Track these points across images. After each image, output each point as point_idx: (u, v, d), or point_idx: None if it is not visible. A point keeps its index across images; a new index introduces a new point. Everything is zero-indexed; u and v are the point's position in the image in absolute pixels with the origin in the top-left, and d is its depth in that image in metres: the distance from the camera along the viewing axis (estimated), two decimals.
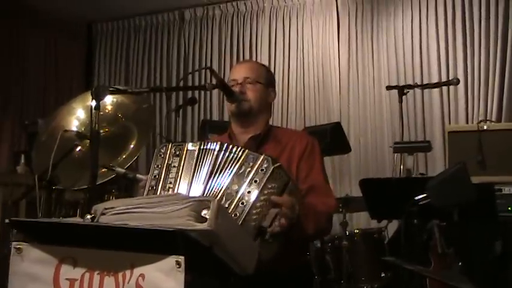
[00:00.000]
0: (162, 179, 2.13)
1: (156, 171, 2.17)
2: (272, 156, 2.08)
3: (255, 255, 1.80)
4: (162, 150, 2.21)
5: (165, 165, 2.16)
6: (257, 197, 1.99)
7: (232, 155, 2.10)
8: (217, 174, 2.08)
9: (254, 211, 1.98)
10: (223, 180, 2.06)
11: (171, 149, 2.20)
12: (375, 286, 4.46)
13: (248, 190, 2.01)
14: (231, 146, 2.14)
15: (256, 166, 2.05)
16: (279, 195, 2.04)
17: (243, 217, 1.96)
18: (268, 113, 2.70)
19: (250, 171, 2.04)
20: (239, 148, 2.13)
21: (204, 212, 1.59)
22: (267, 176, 2.02)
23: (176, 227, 1.53)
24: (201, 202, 1.61)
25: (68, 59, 7.12)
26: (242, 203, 1.99)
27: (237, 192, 2.02)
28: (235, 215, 1.96)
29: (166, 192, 2.10)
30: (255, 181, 2.02)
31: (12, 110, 6.43)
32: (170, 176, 2.13)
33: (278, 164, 2.05)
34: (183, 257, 1.51)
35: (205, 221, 1.57)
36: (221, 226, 1.57)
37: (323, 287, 4.37)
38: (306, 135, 2.68)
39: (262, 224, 1.98)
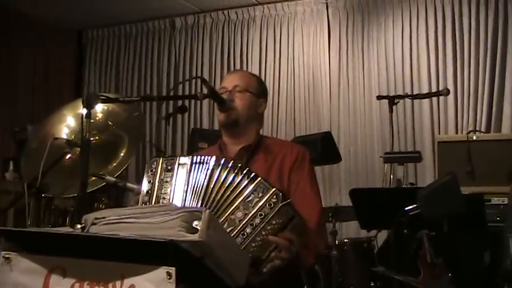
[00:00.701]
0: (155, 194, 2.13)
1: (148, 187, 2.16)
2: (283, 191, 2.04)
3: (246, 266, 1.79)
4: (153, 166, 2.20)
5: (157, 181, 2.16)
6: (258, 232, 1.98)
7: (234, 175, 2.08)
8: (222, 192, 2.06)
9: (253, 244, 1.97)
10: (229, 201, 2.04)
11: (162, 163, 2.19)
12: None
13: (251, 222, 1.99)
14: (226, 162, 2.11)
15: (265, 199, 2.01)
16: (281, 231, 2.02)
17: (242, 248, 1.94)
18: (259, 124, 2.69)
19: (258, 202, 2.01)
20: (252, 173, 2.07)
21: (195, 223, 1.58)
22: (274, 212, 2.00)
23: (167, 237, 1.52)
24: (193, 213, 1.61)
25: (58, 66, 7.09)
26: (243, 234, 1.97)
27: (240, 221, 1.99)
28: None
29: None
30: (261, 215, 1.99)
31: (1, 116, 6.39)
32: (163, 191, 2.13)
33: (287, 200, 2.02)
34: (174, 268, 1.50)
35: (197, 232, 1.56)
36: (213, 237, 1.57)
37: None
38: (297, 146, 2.66)
39: (258, 255, 1.97)
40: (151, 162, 2.22)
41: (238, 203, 2.02)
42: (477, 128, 5.35)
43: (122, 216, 1.67)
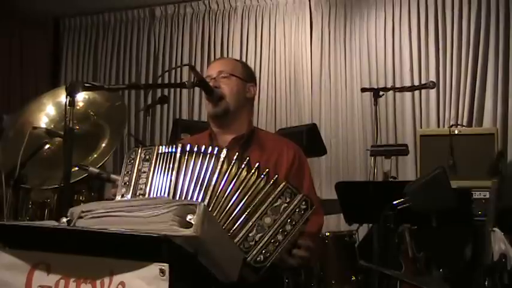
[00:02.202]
0: (132, 185, 2.06)
1: (126, 178, 2.09)
2: (309, 197, 1.98)
3: (240, 262, 1.73)
4: (132, 156, 2.13)
5: (135, 171, 2.08)
6: (289, 240, 1.91)
7: (262, 177, 2.00)
8: (231, 187, 1.99)
9: (283, 251, 1.90)
10: (253, 205, 1.96)
11: (140, 153, 2.12)
12: None
13: (282, 229, 1.91)
14: (266, 171, 2.02)
15: (294, 204, 1.94)
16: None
17: (274, 257, 1.87)
18: (249, 111, 2.61)
19: (286, 208, 1.93)
20: (274, 178, 2.00)
21: (189, 217, 1.51)
22: (304, 218, 1.93)
23: (160, 232, 1.45)
24: (186, 206, 1.53)
25: (34, 54, 6.94)
26: (275, 241, 1.89)
27: (269, 227, 1.91)
28: (267, 252, 1.87)
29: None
30: (292, 222, 1.91)
31: None
32: (140, 181, 2.05)
33: (314, 206, 1.97)
34: (167, 265, 1.43)
35: (191, 227, 1.49)
36: (207, 232, 1.50)
37: None
38: (292, 145, 2.59)
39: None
40: (130, 153, 2.16)
41: (265, 207, 1.94)
42: (459, 122, 5.34)
43: (111, 210, 1.60)
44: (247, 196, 1.97)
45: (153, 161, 2.08)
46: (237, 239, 1.88)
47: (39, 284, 1.58)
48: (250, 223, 1.91)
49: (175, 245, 1.46)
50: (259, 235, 1.89)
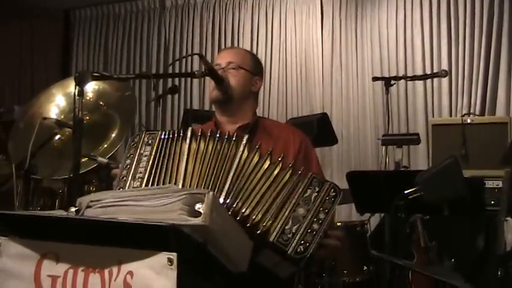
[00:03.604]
0: (132, 169, 2.04)
1: (128, 161, 2.08)
2: (336, 184, 1.98)
3: (249, 251, 1.72)
4: (136, 140, 2.13)
5: (137, 155, 2.07)
6: (325, 227, 1.90)
7: (287, 169, 2.00)
8: (253, 178, 1.98)
9: (318, 240, 1.89)
10: (281, 196, 1.94)
11: (143, 137, 2.11)
12: (356, 279, 4.42)
13: (316, 218, 1.90)
14: (291, 164, 2.02)
15: (324, 193, 1.94)
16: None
17: (313, 246, 1.86)
18: (254, 102, 2.63)
19: (317, 197, 1.93)
20: (298, 168, 2.00)
21: (197, 206, 1.50)
22: (335, 205, 1.93)
23: (168, 221, 1.44)
24: (195, 195, 1.52)
25: (45, 46, 6.97)
26: (311, 231, 1.88)
27: (304, 217, 1.90)
28: (306, 242, 1.86)
29: (135, 183, 2.00)
30: (325, 210, 1.91)
31: None
32: (140, 165, 2.04)
33: (341, 192, 1.97)
34: (175, 254, 1.42)
35: (199, 216, 1.48)
36: (216, 221, 1.49)
37: (305, 280, 4.32)
38: (298, 132, 2.59)
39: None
40: (134, 137, 2.15)
41: (297, 199, 1.93)
42: (471, 111, 5.32)
43: (119, 199, 1.59)
44: (274, 187, 1.96)
45: (155, 146, 2.07)
46: (275, 233, 1.87)
47: (48, 273, 1.57)
48: (285, 216, 1.90)
49: (184, 234, 1.45)
50: (295, 227, 1.88)
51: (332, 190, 1.95)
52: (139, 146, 2.09)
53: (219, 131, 2.10)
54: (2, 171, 4.37)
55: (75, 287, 1.54)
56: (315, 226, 1.88)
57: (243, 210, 1.91)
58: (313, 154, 2.51)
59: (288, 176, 1.98)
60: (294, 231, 1.87)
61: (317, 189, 1.95)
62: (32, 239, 1.61)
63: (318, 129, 4.25)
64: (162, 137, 2.09)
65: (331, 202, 1.92)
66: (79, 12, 7.20)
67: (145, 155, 2.06)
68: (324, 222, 1.89)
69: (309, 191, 1.94)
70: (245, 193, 1.96)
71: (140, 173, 2.02)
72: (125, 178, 2.03)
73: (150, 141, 2.09)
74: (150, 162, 2.04)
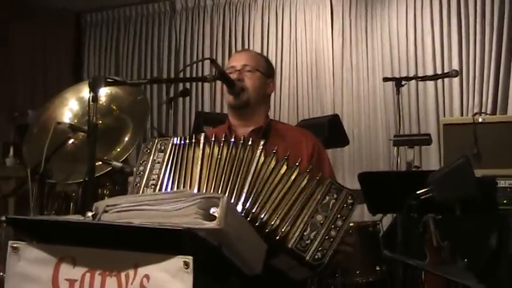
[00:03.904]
0: (146, 175, 2.06)
1: (141, 168, 2.10)
2: (353, 191, 2.01)
3: (263, 254, 1.74)
4: (148, 146, 2.14)
5: (150, 161, 2.09)
6: (343, 234, 1.93)
7: (304, 175, 2.01)
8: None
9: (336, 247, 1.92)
10: (299, 202, 1.97)
11: (156, 144, 2.13)
12: (369, 279, 4.42)
13: (334, 225, 1.92)
14: (309, 169, 2.05)
15: (341, 200, 1.97)
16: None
17: (330, 253, 1.89)
18: (267, 106, 2.65)
19: (335, 204, 1.96)
20: (318, 176, 2.02)
21: (212, 210, 1.52)
22: (352, 213, 1.96)
23: (184, 225, 1.46)
24: (209, 199, 1.54)
25: (56, 50, 7.02)
26: (328, 237, 1.90)
27: (322, 224, 1.92)
28: (324, 249, 1.89)
29: (148, 190, 2.02)
30: (342, 217, 1.94)
31: None
32: (153, 172, 2.06)
33: (358, 199, 2.00)
34: (191, 257, 1.44)
35: (214, 219, 1.50)
36: (231, 225, 1.51)
37: (318, 281, 4.32)
38: (310, 135, 2.61)
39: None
40: (147, 143, 2.17)
41: (315, 205, 1.95)
42: (483, 110, 5.30)
43: (135, 204, 1.61)
44: (292, 192, 1.98)
45: (168, 152, 2.09)
46: (293, 239, 1.89)
47: (65, 277, 1.60)
48: (304, 222, 1.92)
49: (199, 237, 1.47)
50: (313, 233, 1.90)
51: (350, 197, 1.97)
52: (152, 152, 2.11)
53: (233, 136, 2.12)
54: (17, 175, 4.42)
55: None
56: (333, 233, 1.91)
57: (262, 216, 1.93)
58: (325, 156, 2.52)
59: (305, 181, 2.00)
60: (312, 237, 1.89)
61: (335, 196, 1.97)
62: (50, 244, 1.63)
63: (330, 130, 4.26)
64: (175, 142, 2.10)
65: (348, 209, 1.95)
66: (90, 16, 7.25)
67: (158, 162, 2.08)
68: (342, 229, 1.92)
69: (327, 198, 1.96)
70: (263, 198, 1.97)
71: (153, 180, 2.04)
72: (138, 185, 2.06)
73: (162, 148, 2.11)
74: (163, 168, 2.05)
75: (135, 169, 2.12)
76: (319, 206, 1.95)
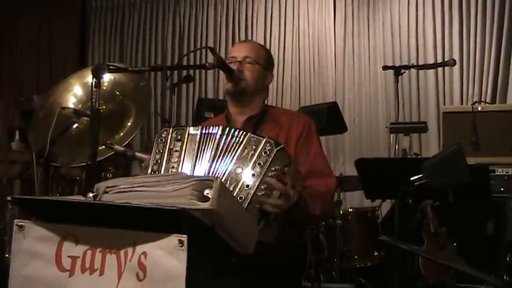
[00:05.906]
0: (164, 163, 2.12)
1: (157, 156, 2.15)
2: (274, 139, 2.07)
3: (256, 234, 1.81)
4: (163, 135, 2.19)
5: (166, 150, 2.15)
6: (261, 180, 1.99)
7: (234, 138, 2.09)
8: (220, 158, 2.07)
9: (259, 193, 1.98)
10: (227, 164, 2.05)
11: (172, 133, 2.19)
12: (367, 264, 4.50)
13: (252, 173, 2.00)
14: (232, 130, 2.12)
15: (259, 149, 2.03)
16: (281, 177, 2.04)
17: (249, 200, 1.96)
18: (264, 95, 2.70)
19: (253, 155, 2.03)
20: (241, 132, 2.11)
21: (206, 191, 1.60)
22: (271, 158, 2.01)
23: (179, 205, 1.54)
24: (204, 181, 1.62)
25: (62, 36, 7.06)
26: (247, 186, 1.98)
27: (241, 175, 2.01)
28: (241, 198, 1.96)
29: None
30: (259, 164, 2.01)
31: (5, 87, 6.39)
32: (172, 160, 2.12)
33: (281, 146, 2.05)
34: (186, 236, 1.52)
35: (208, 200, 1.58)
36: (223, 205, 1.59)
37: (317, 265, 4.40)
38: (303, 116, 2.66)
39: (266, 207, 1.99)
40: (161, 132, 2.22)
41: (234, 161, 2.04)
42: (482, 99, 5.35)
43: (134, 185, 1.69)
44: (227, 159, 2.08)
45: (185, 141, 2.15)
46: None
47: (68, 254, 1.67)
48: (224, 178, 2.01)
49: (193, 217, 1.54)
50: (232, 185, 1.99)
51: (268, 145, 2.04)
52: (169, 141, 2.17)
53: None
54: (22, 158, 4.50)
55: (93, 267, 1.64)
56: (251, 181, 2.00)
57: None
58: (313, 134, 2.55)
59: (236, 143, 2.10)
60: (231, 189, 1.97)
61: (253, 147, 2.05)
62: (53, 223, 1.71)
63: (328, 117, 4.31)
64: (191, 132, 2.17)
65: (266, 155, 2.02)
66: (95, 2, 7.28)
67: (176, 150, 2.14)
68: (260, 175, 1.99)
69: (246, 151, 2.05)
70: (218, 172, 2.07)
71: (173, 167, 2.10)
72: (157, 172, 2.12)
73: (179, 137, 2.17)
74: (182, 156, 2.12)
75: (151, 158, 2.17)
76: (239, 160, 2.04)
